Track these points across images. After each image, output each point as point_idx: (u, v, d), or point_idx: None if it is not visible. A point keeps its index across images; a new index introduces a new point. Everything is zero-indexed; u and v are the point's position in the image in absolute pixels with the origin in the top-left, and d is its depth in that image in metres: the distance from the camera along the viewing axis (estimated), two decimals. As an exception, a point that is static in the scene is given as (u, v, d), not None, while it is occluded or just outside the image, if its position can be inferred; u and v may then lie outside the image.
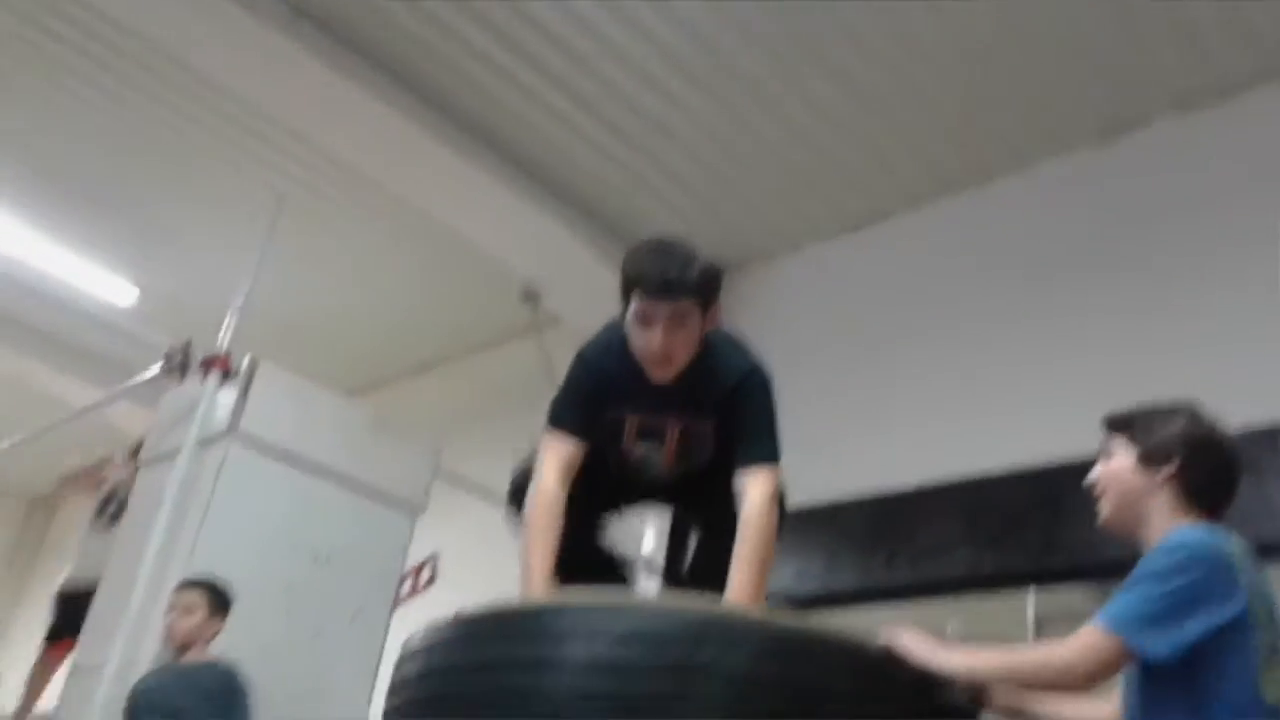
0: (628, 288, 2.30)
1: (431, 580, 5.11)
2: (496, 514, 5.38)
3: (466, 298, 7.10)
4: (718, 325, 2.37)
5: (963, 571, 4.27)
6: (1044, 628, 4.54)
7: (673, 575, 2.58)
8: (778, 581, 4.49)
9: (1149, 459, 1.97)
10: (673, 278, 2.23)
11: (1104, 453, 2.04)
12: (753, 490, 2.23)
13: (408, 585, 4.73)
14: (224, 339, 4.38)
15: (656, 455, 2.38)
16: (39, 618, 10.60)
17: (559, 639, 1.51)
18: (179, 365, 4.38)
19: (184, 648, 3.58)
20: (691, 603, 1.64)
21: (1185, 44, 4.37)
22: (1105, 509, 2.02)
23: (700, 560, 2.53)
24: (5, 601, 11.22)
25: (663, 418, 2.36)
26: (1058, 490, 4.02)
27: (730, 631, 1.49)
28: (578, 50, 4.93)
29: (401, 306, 7.28)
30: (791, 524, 4.48)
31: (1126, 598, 1.79)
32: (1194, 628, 1.73)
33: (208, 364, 4.19)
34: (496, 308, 7.06)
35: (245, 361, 4.22)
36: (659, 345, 2.26)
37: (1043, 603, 4.61)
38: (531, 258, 6.20)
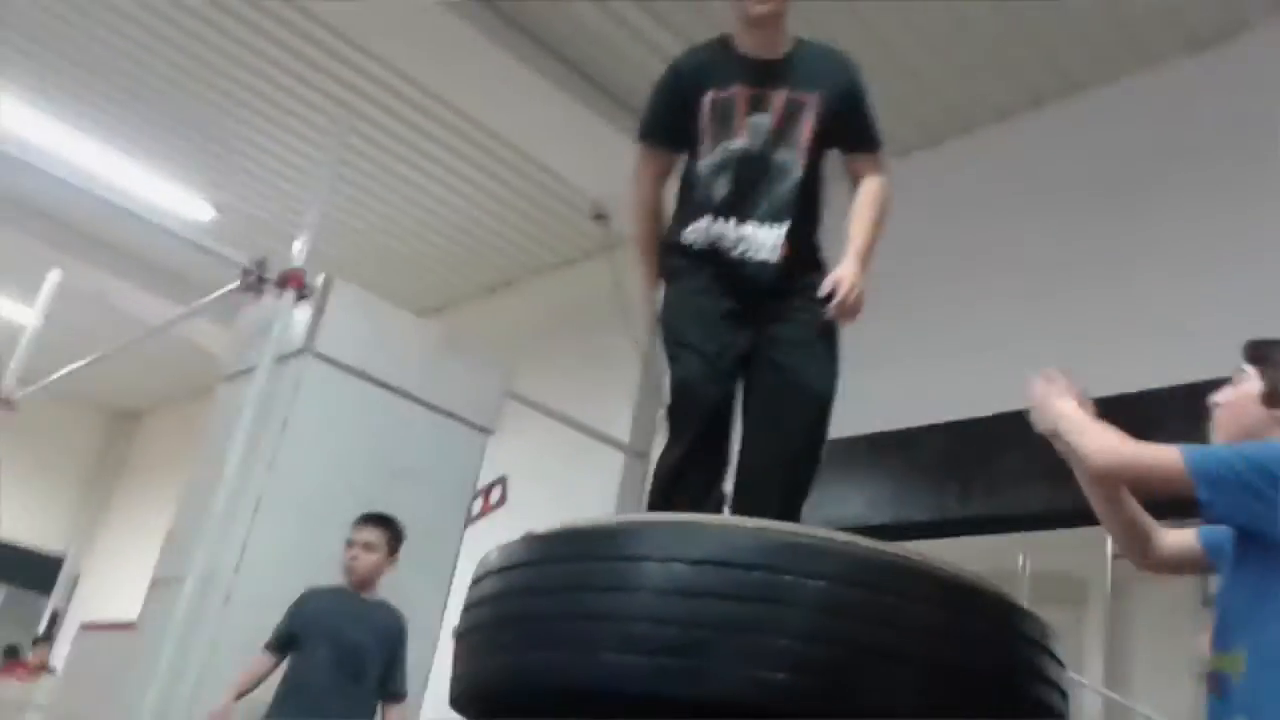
0: None
1: (502, 500, 5.16)
2: (564, 434, 5.44)
3: (538, 218, 7.08)
4: None
5: (1040, 506, 4.18)
6: (1122, 565, 4.46)
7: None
8: (847, 509, 4.48)
9: (1273, 397, 1.95)
10: None
11: (1235, 378, 2.04)
12: (872, 173, 2.50)
13: (478, 505, 4.77)
14: (299, 256, 4.39)
15: (765, 120, 2.43)
16: (124, 523, 11.02)
17: (634, 561, 1.49)
18: (255, 282, 4.40)
19: (362, 584, 3.57)
20: (770, 526, 1.61)
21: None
22: (1219, 434, 2.02)
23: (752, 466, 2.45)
24: (90, 514, 11.64)
25: (768, 90, 2.44)
26: (1142, 420, 3.89)
27: (809, 556, 1.46)
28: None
29: (473, 226, 7.29)
30: (862, 451, 4.43)
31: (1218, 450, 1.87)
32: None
33: (283, 281, 4.20)
34: (567, 228, 7.04)
35: (320, 279, 4.23)
36: None
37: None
38: (602, 177, 6.14)
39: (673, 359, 2.44)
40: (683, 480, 2.36)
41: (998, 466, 4.32)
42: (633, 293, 6.15)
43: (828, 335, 2.40)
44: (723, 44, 2.51)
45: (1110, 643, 5.09)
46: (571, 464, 5.91)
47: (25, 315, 6.45)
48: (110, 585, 9.80)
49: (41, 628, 9.26)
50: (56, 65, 6.30)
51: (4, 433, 5.55)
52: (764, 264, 2.37)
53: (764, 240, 2.38)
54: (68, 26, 5.98)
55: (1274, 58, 4.33)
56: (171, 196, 7.19)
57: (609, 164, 5.99)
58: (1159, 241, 4.37)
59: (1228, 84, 4.43)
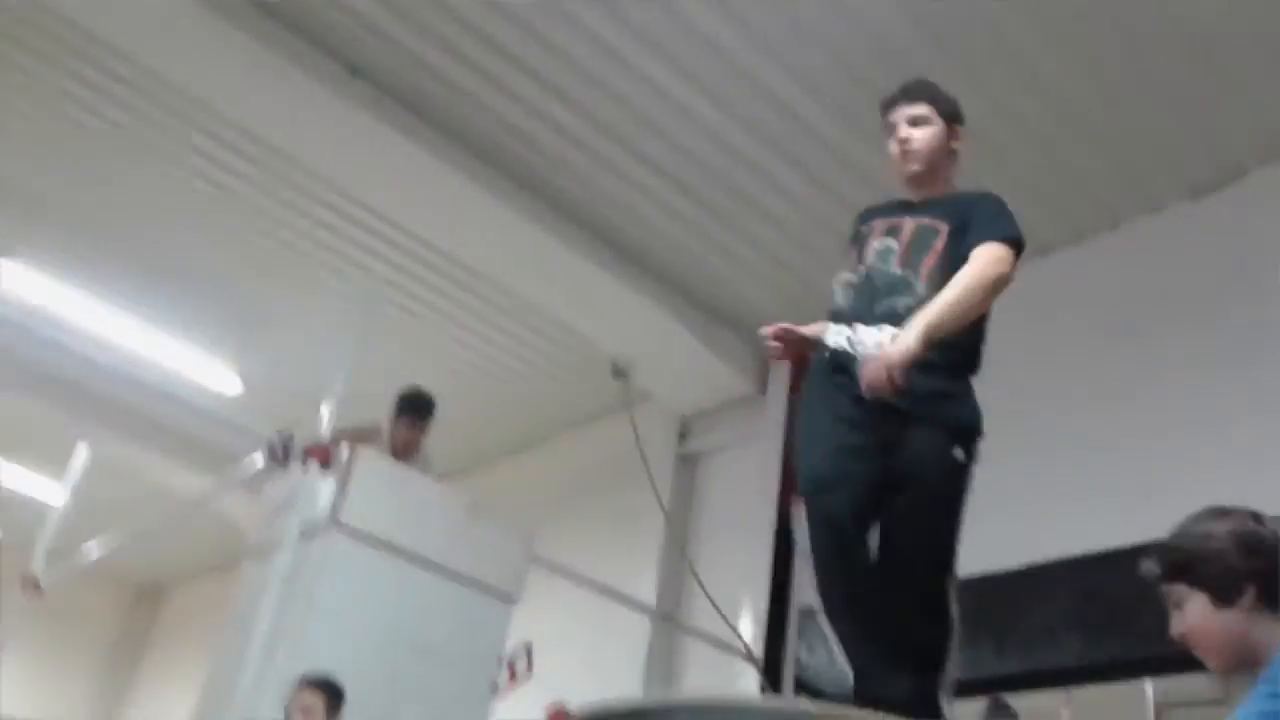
0: (883, 119, 2.75)
1: (529, 669, 5.07)
2: (590, 598, 5.37)
3: (559, 377, 7.16)
4: (959, 143, 2.73)
5: (1074, 660, 4.09)
6: (1164, 716, 4.32)
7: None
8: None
9: (1221, 596, 1.78)
10: (906, 85, 2.77)
11: (1172, 604, 1.85)
12: (977, 257, 2.45)
13: (505, 675, 4.69)
14: (324, 428, 4.44)
15: (893, 244, 2.59)
16: (149, 700, 10.80)
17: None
18: (281, 455, 4.44)
19: None
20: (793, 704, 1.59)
21: None
22: (1211, 662, 1.82)
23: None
24: (112, 689, 11.42)
25: (903, 219, 2.63)
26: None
27: None
28: (668, 129, 5.00)
29: (496, 387, 7.36)
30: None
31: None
32: None
33: (308, 454, 4.24)
34: (588, 386, 7.10)
35: (345, 450, 4.26)
36: (901, 135, 2.68)
37: (1162, 688, 4.39)
38: (622, 335, 6.25)
39: (800, 454, 2.58)
40: (821, 579, 2.46)
41: (1033, 619, 4.25)
42: (655, 449, 6.20)
43: (948, 478, 2.46)
44: (890, 199, 2.79)
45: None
46: (598, 628, 5.82)
47: (50, 489, 6.48)
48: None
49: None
50: (84, 240, 6.51)
51: (28, 613, 5.51)
52: (869, 359, 2.44)
53: (871, 339, 2.47)
54: (98, 204, 6.21)
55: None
56: (199, 367, 7.33)
57: (626, 323, 6.12)
58: (1191, 390, 4.37)
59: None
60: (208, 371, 7.38)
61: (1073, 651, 4.10)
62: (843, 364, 2.51)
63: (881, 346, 2.39)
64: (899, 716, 2.16)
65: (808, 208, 5.26)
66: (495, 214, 5.49)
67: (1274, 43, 4.11)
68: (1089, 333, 4.79)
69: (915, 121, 2.68)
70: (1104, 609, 4.07)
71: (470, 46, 4.78)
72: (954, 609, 2.42)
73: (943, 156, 2.69)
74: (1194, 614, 1.80)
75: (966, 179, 4.66)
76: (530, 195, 5.52)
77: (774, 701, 1.75)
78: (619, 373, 6.40)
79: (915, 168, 2.67)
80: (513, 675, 5.04)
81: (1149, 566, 1.89)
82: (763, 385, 6.09)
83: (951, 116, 2.72)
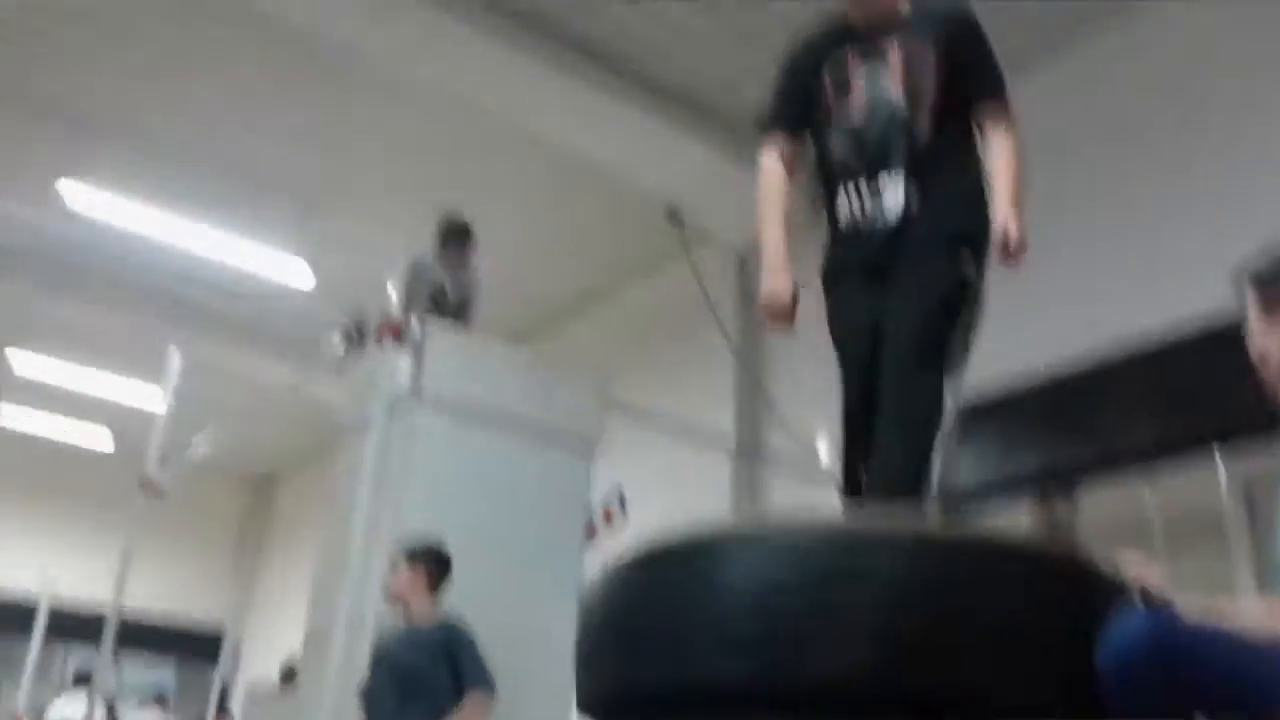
0: None
1: (623, 511, 5.25)
2: (669, 443, 5.51)
3: (616, 229, 7.18)
4: None
5: (1150, 441, 4.12)
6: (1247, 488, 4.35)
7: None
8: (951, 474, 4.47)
9: (1273, 304, 1.67)
10: None
11: (1262, 311, 1.73)
12: (996, 126, 2.41)
13: (600, 519, 4.88)
14: (395, 305, 4.56)
15: (883, 74, 2.41)
16: (277, 582, 11.44)
17: (715, 567, 1.56)
18: (356, 336, 4.59)
19: (409, 610, 3.69)
20: (847, 521, 1.64)
21: None
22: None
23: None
24: (243, 579, 12.13)
25: (882, 43, 2.42)
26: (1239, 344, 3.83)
27: (879, 548, 1.49)
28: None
29: (556, 247, 7.43)
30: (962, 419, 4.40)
31: None
32: None
33: (381, 332, 4.37)
34: (646, 234, 7.12)
35: (415, 324, 4.38)
36: None
37: (1234, 470, 4.42)
38: (673, 179, 6.24)
39: (839, 362, 2.52)
40: (848, 468, 2.44)
41: (1104, 412, 4.27)
42: (717, 288, 6.24)
43: (948, 284, 2.33)
44: (832, 23, 2.54)
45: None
46: (680, 471, 5.98)
47: (151, 396, 6.72)
48: (274, 644, 10.19)
49: (212, 703, 9.65)
50: (141, 151, 6.64)
51: (153, 515, 5.83)
52: (897, 212, 2.37)
53: (894, 201, 2.37)
54: (153, 111, 6.30)
55: None
56: (270, 262, 7.49)
57: (676, 166, 6.11)
58: (1232, 166, 4.26)
59: None
60: (279, 266, 7.55)
61: (1148, 434, 4.13)
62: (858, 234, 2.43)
63: (905, 206, 2.33)
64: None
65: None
66: (540, 74, 5.48)
67: None
68: (1142, 107, 4.64)
69: None
70: (1173, 395, 4.08)
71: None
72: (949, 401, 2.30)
73: None
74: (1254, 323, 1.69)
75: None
76: (571, 49, 5.47)
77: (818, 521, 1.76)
78: (674, 217, 6.41)
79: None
80: (608, 518, 5.25)
81: (1251, 272, 1.73)
82: (816, 208, 6.04)
83: None
